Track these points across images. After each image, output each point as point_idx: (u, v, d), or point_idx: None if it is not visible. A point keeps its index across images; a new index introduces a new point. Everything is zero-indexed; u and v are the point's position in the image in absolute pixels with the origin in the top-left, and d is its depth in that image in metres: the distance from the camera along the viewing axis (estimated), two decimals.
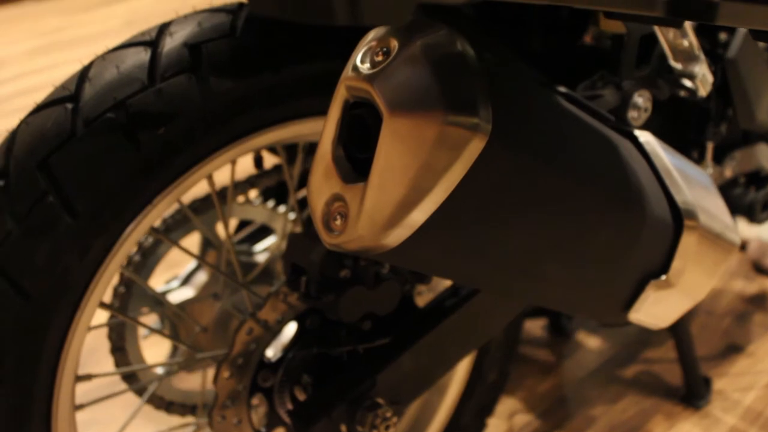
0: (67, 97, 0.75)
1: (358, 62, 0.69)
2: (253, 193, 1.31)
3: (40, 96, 0.79)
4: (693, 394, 1.48)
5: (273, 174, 1.16)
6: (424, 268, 0.78)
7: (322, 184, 0.71)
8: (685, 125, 1.24)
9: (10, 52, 3.78)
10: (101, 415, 1.40)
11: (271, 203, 1.27)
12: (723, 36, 1.14)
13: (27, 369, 0.74)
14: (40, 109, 0.76)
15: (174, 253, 1.24)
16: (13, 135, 0.76)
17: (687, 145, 1.25)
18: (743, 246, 1.90)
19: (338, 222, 0.70)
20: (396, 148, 0.65)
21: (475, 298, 0.96)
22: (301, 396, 0.96)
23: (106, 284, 0.78)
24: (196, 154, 0.78)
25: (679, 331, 1.47)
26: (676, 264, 0.87)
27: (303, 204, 1.18)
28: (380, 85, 0.66)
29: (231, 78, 0.77)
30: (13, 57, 3.70)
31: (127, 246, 0.78)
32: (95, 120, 0.73)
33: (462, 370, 1.18)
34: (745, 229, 1.85)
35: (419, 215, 0.67)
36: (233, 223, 1.35)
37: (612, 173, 0.79)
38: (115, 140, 0.73)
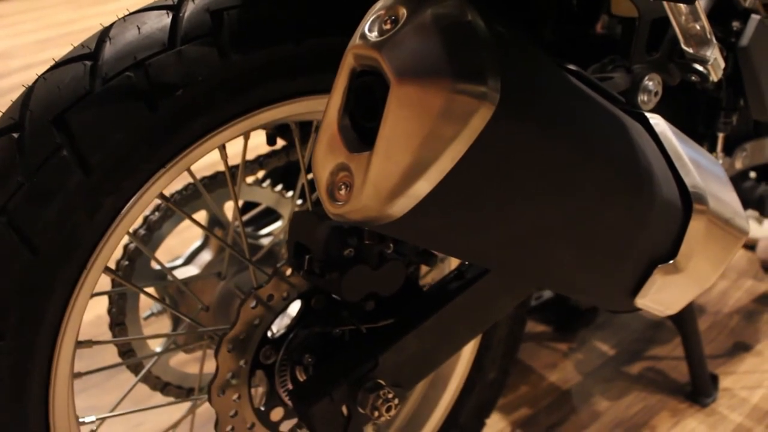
0: (86, 55, 0.75)
1: (366, 30, 0.69)
2: (261, 174, 1.31)
3: None
4: (699, 391, 1.47)
5: (282, 155, 1.16)
6: (428, 242, 0.78)
7: (327, 153, 0.71)
8: (696, 116, 1.23)
9: (19, 43, 3.77)
10: (98, 403, 1.40)
11: (278, 187, 1.27)
12: (736, 24, 1.13)
13: (30, 326, 0.74)
14: (58, 65, 0.76)
15: (174, 239, 1.24)
16: (30, 90, 0.75)
17: (697, 136, 1.24)
18: (753, 246, 1.89)
19: (342, 192, 0.70)
20: (402, 116, 0.65)
21: (480, 281, 0.95)
22: (302, 377, 0.95)
23: (113, 248, 0.78)
24: (212, 120, 0.78)
25: (686, 328, 1.46)
26: (685, 249, 0.86)
27: (313, 184, 1.17)
28: (388, 52, 0.66)
29: (251, 46, 0.77)
30: (21, 48, 3.69)
31: (137, 210, 0.78)
32: (114, 78, 0.73)
33: (462, 365, 1.17)
34: (754, 229, 1.84)
35: (424, 185, 0.66)
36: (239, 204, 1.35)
37: (621, 152, 0.79)
38: (133, 100, 0.73)
